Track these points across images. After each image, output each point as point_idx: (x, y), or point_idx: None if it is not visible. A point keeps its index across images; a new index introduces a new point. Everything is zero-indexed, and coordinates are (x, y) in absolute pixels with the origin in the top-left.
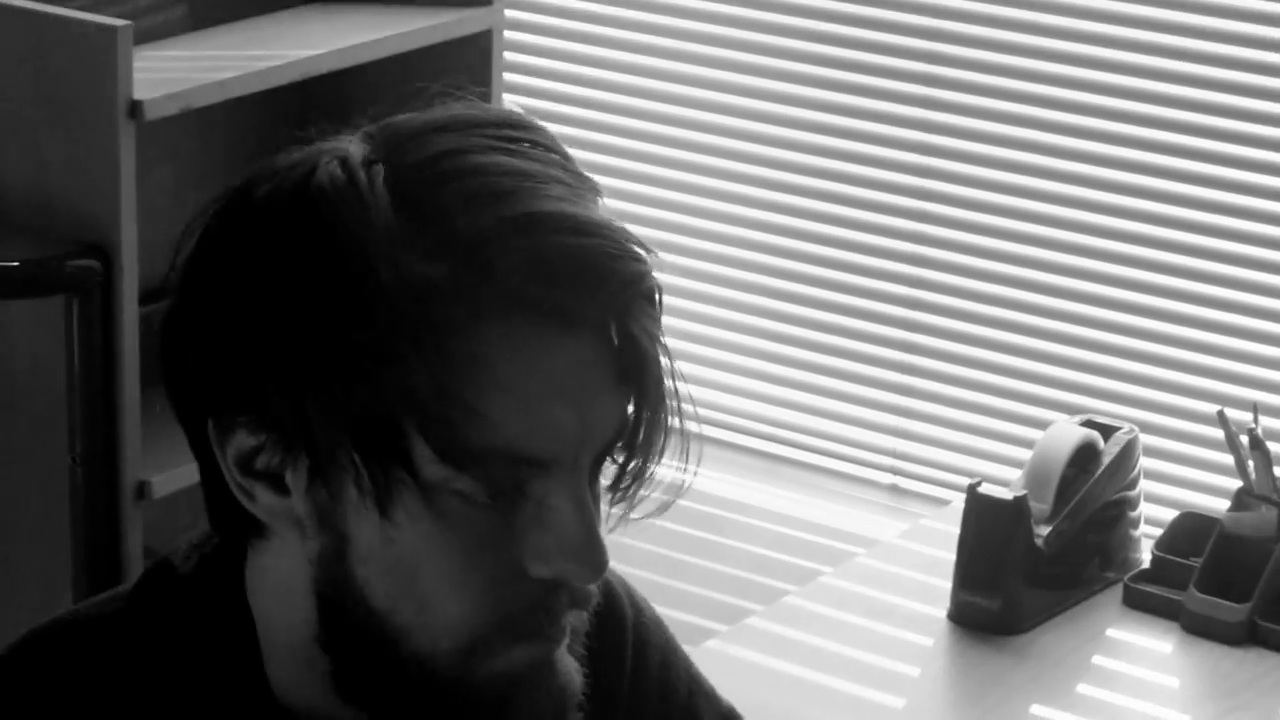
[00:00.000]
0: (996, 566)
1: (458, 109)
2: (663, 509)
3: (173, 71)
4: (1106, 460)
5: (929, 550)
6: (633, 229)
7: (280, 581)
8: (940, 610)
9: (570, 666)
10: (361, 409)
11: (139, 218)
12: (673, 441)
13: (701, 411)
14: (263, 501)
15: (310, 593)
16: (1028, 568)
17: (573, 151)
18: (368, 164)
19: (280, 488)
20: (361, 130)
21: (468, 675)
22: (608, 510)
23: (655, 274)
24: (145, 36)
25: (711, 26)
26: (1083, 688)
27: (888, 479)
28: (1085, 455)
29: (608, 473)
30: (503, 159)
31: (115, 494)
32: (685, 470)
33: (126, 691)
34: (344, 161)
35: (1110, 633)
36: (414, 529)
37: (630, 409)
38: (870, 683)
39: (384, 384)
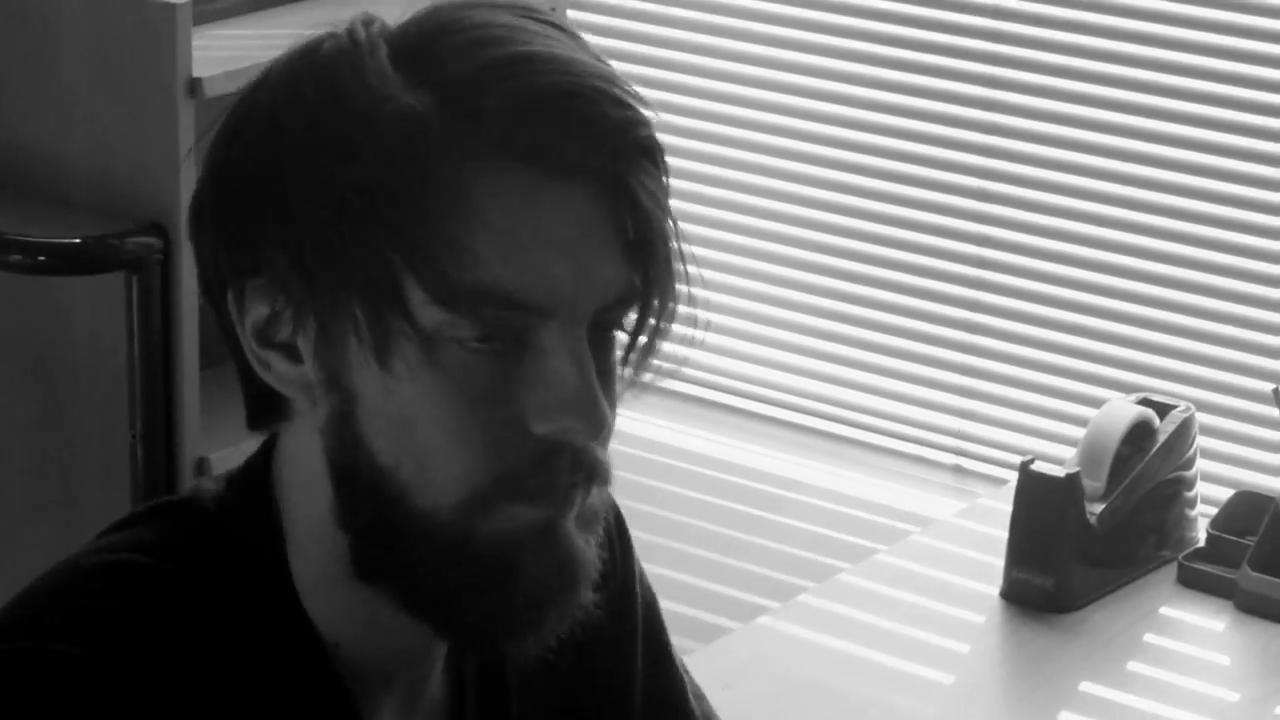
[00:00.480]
0: (1049, 544)
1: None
2: (669, 372)
3: (232, 49)
4: (1162, 438)
5: (984, 529)
6: (696, 210)
7: (302, 465)
8: (993, 588)
9: (579, 540)
10: (355, 251)
11: None
12: (680, 308)
13: (766, 392)
14: (278, 370)
15: (325, 467)
16: (1080, 545)
17: None
18: (367, 24)
19: (294, 356)
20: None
21: (470, 534)
22: (622, 380)
23: (656, 131)
24: (205, 17)
25: (777, 5)
26: (1134, 665)
27: (951, 459)
28: (1140, 433)
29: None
30: (505, 17)
31: (174, 470)
32: (693, 335)
33: (162, 625)
34: (349, 29)
35: (1163, 611)
36: (413, 381)
37: (636, 275)
38: (921, 659)
39: (373, 221)
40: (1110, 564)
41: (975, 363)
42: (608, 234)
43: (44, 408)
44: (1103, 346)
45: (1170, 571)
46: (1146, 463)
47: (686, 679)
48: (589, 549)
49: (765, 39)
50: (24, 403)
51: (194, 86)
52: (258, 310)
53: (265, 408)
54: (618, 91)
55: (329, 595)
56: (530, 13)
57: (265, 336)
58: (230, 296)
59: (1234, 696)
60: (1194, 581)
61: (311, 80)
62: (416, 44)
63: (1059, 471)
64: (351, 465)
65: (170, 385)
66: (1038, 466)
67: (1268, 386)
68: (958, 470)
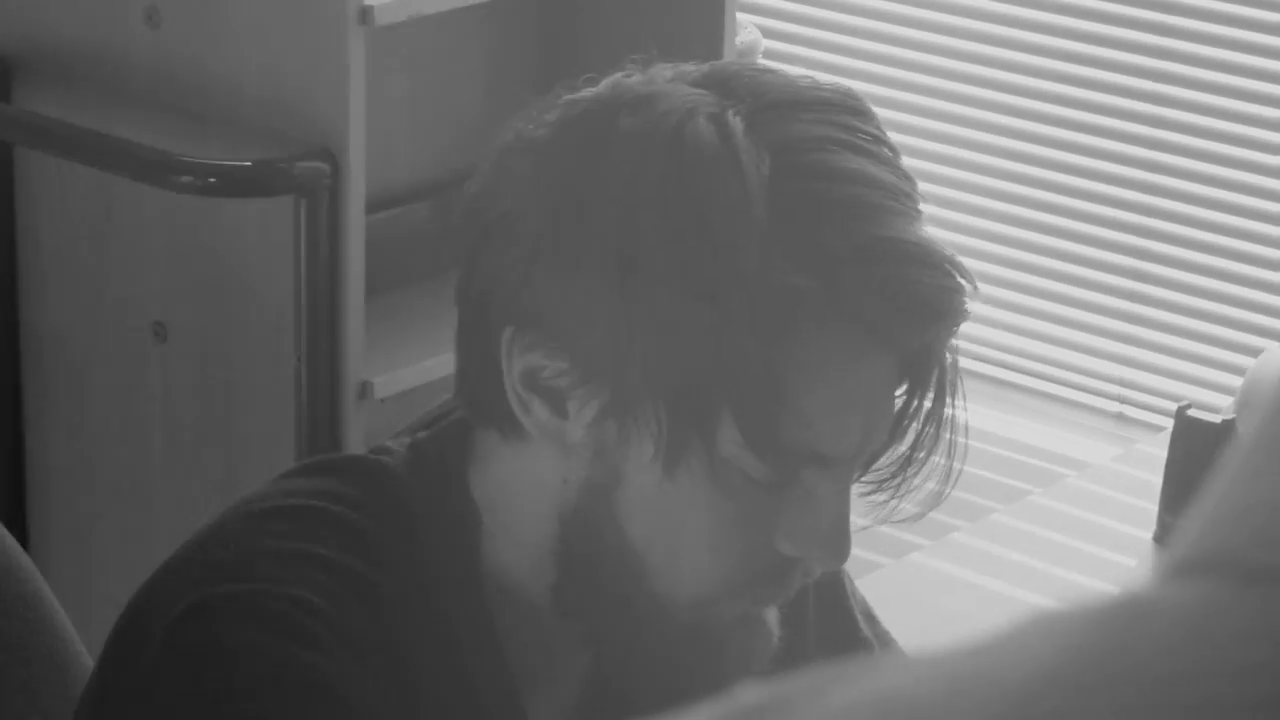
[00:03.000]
0: (1203, 490)
1: (783, 76)
2: (917, 518)
3: None
4: None
5: (1141, 474)
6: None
7: (527, 486)
8: (1146, 532)
9: (771, 619)
10: (686, 377)
11: (372, 123)
12: (939, 452)
13: None
14: (537, 417)
15: (555, 507)
16: None
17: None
18: (745, 135)
19: (560, 409)
20: (700, 73)
21: (692, 618)
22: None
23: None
24: None
25: None
26: None
27: (1114, 406)
28: None
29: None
30: (861, 164)
31: (338, 393)
32: (946, 484)
33: (349, 573)
34: (720, 123)
35: None
36: (691, 492)
37: (905, 413)
38: (1070, 599)
39: (718, 364)
40: None
41: (1141, 310)
42: (893, 396)
43: (212, 328)
44: (1265, 296)
45: None
46: None
47: (854, 601)
48: (776, 619)
49: (943, 5)
50: (193, 321)
51: (365, 14)
52: (535, 358)
53: (494, 418)
54: (956, 279)
55: (510, 593)
56: (859, 122)
57: (533, 380)
58: (508, 334)
59: None
60: None
61: (686, 180)
62: (792, 190)
63: (1215, 418)
64: (595, 535)
65: (335, 310)
66: (1194, 413)
67: None
68: (1119, 417)
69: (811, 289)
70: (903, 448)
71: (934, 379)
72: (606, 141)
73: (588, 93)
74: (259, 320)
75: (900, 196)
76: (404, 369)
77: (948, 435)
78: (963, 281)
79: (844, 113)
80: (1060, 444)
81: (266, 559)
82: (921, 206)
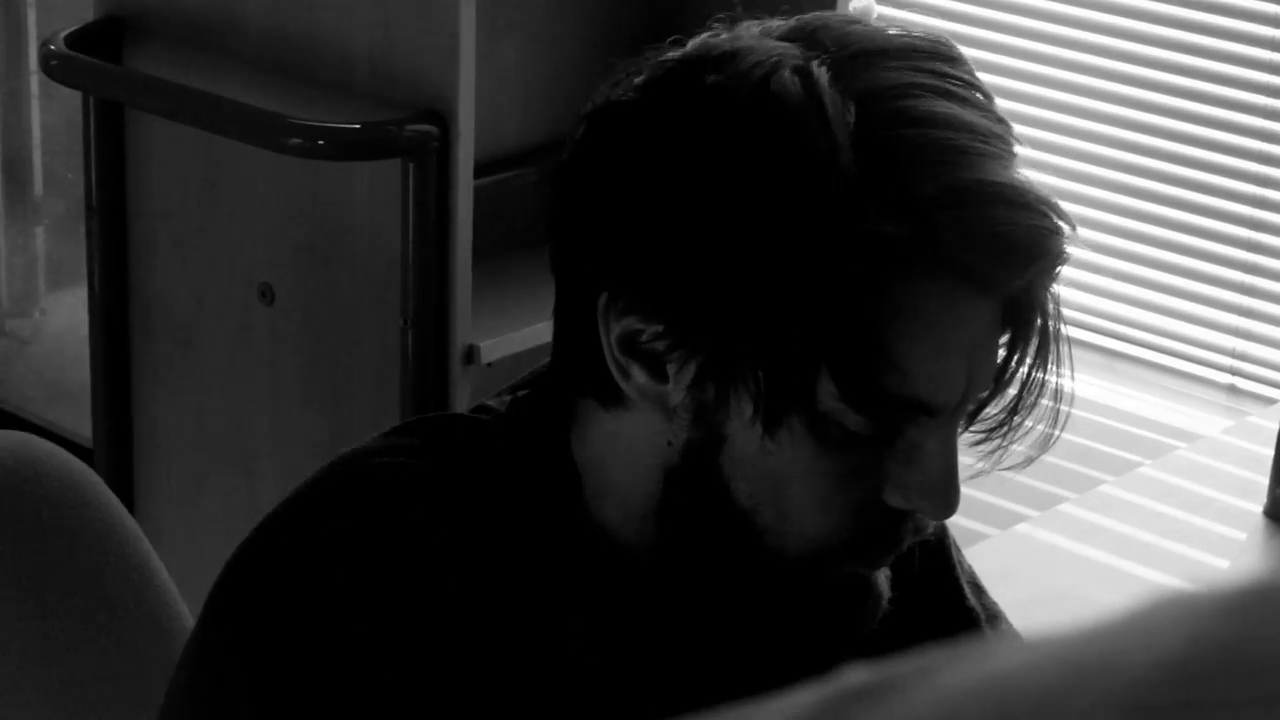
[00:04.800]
0: None
1: (875, 28)
2: (1026, 463)
3: None
4: None
5: (1253, 447)
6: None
7: (628, 450)
8: (1257, 506)
9: (881, 581)
10: (782, 336)
11: (482, 88)
12: (1044, 398)
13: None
14: (637, 381)
15: (659, 469)
16: None
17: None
18: (830, 85)
19: (659, 373)
20: (787, 27)
21: (802, 574)
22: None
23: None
24: None
25: None
26: None
27: (1226, 379)
28: None
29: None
30: (950, 108)
31: (444, 357)
32: (1054, 428)
33: (448, 527)
34: (804, 74)
35: None
36: (794, 449)
37: (1016, 370)
38: (1180, 573)
39: (813, 320)
40: None
41: (1255, 282)
42: (999, 331)
43: (319, 291)
44: None
45: None
46: None
47: (962, 570)
48: (887, 580)
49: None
50: (301, 283)
51: None
52: (631, 322)
53: (593, 387)
54: (1053, 219)
55: (614, 556)
56: (949, 69)
57: (631, 345)
58: (603, 300)
59: None
60: None
61: (775, 134)
62: (879, 137)
63: None
64: (701, 496)
65: (443, 273)
66: None
67: None
68: (1232, 390)
69: (903, 236)
70: (1009, 395)
71: (1036, 324)
72: (692, 100)
73: (673, 53)
74: (366, 284)
75: (992, 139)
76: (510, 334)
77: (1053, 380)
78: (1060, 222)
79: (933, 59)
80: (1171, 415)
81: (363, 519)
82: (1018, 149)
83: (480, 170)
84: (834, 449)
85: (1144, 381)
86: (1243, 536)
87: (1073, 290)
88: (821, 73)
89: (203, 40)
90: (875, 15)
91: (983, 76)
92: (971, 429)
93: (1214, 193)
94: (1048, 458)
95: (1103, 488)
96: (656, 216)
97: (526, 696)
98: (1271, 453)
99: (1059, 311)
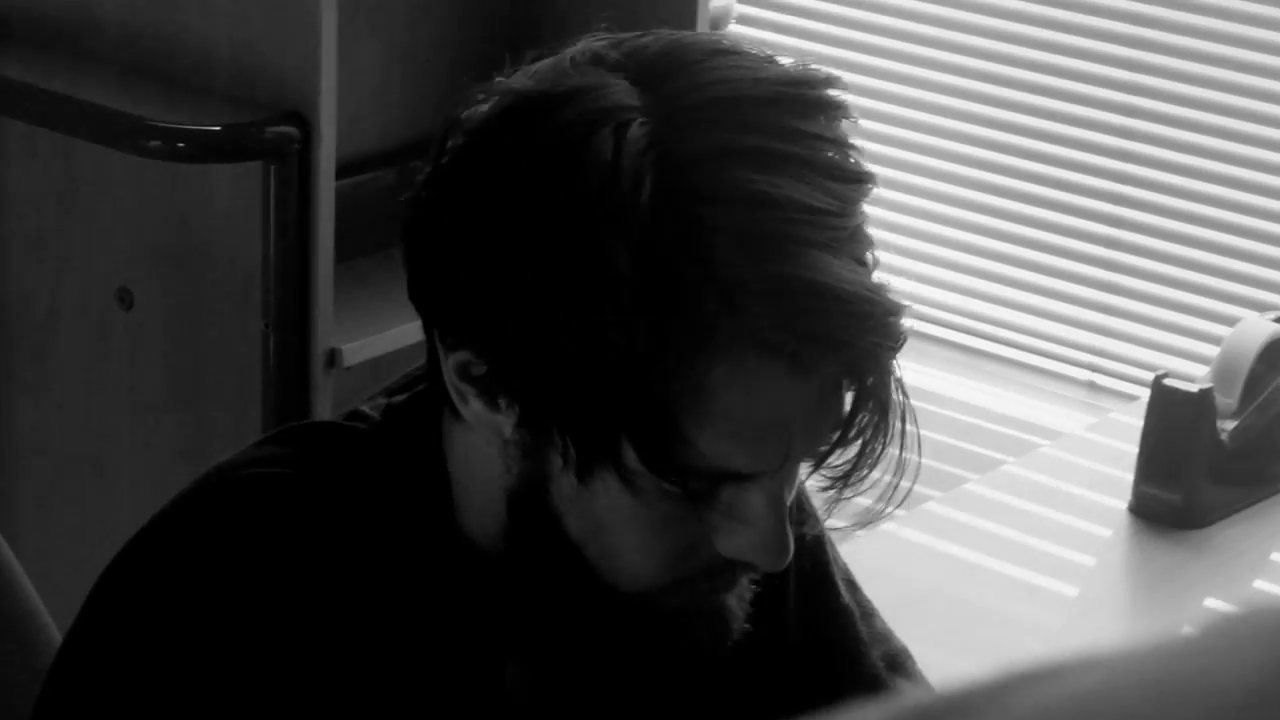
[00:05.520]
0: (1179, 460)
1: (735, 65)
2: (867, 522)
3: None
4: None
5: (1115, 443)
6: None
7: (481, 467)
8: (1121, 502)
9: (733, 604)
10: (579, 405)
11: (342, 89)
12: (885, 457)
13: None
14: (473, 409)
15: (503, 491)
16: (1211, 462)
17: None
18: (641, 154)
19: (493, 403)
20: (641, 57)
21: (639, 606)
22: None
23: (904, 325)
24: None
25: None
26: (1261, 584)
27: (1086, 375)
28: (1275, 351)
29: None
30: (772, 184)
31: (306, 361)
32: (894, 490)
33: (321, 540)
34: (620, 138)
35: None
36: (610, 498)
37: (851, 434)
38: (1046, 570)
39: (607, 393)
40: (1240, 482)
41: (1115, 279)
42: (834, 404)
43: (179, 295)
44: (1241, 265)
45: None
46: None
47: (837, 568)
48: (741, 603)
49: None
50: (160, 288)
51: None
52: (463, 355)
53: (446, 399)
54: (879, 305)
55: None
56: (797, 122)
57: (467, 374)
58: (438, 333)
59: None
60: None
61: (578, 209)
62: (686, 210)
63: (1192, 387)
64: (537, 524)
65: (305, 276)
66: (1171, 381)
67: None
68: (1091, 386)
69: (707, 318)
70: (853, 448)
71: (875, 393)
72: (515, 148)
73: (524, 78)
74: (226, 287)
75: (816, 217)
76: (373, 337)
77: (899, 427)
78: (889, 307)
79: (782, 112)
80: (1032, 413)
81: (239, 530)
82: (859, 215)
83: (340, 172)
84: (649, 502)
85: (1004, 379)
86: (1108, 533)
87: (932, 288)
88: (639, 135)
89: (59, 42)
90: (735, 14)
91: (846, 77)
92: (820, 473)
93: (1074, 190)
94: (912, 456)
95: (967, 485)
96: (475, 263)
97: (396, 709)
98: (1132, 449)
99: (899, 379)
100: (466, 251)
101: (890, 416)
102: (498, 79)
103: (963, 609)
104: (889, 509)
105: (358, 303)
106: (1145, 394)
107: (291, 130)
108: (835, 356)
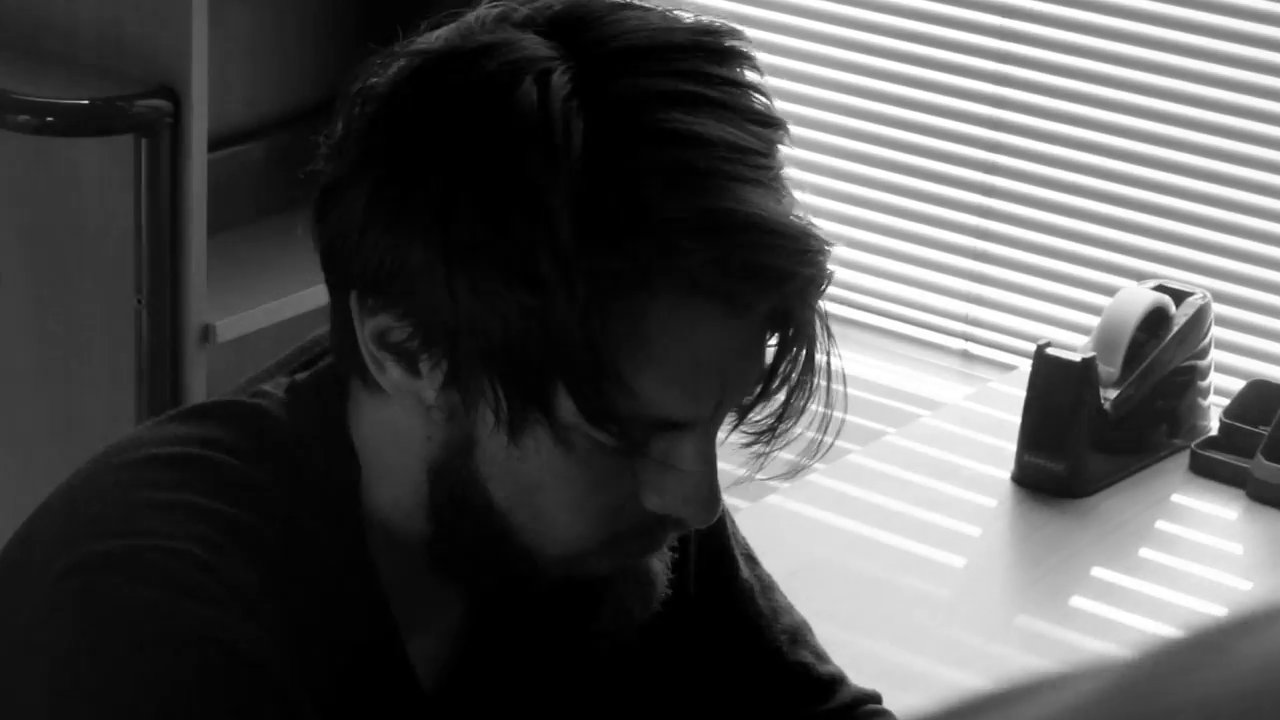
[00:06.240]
0: (1062, 429)
1: (643, 17)
2: (792, 473)
3: None
4: (1177, 325)
5: (995, 413)
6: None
7: (394, 440)
8: (1004, 472)
9: (658, 567)
10: (515, 353)
11: (212, 61)
12: (809, 408)
13: None
14: (392, 376)
15: (423, 462)
16: (1094, 431)
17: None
18: (567, 99)
19: (413, 369)
20: (552, 13)
21: (566, 572)
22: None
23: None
24: None
25: None
26: (1145, 552)
27: (959, 344)
28: (1156, 320)
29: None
30: (700, 123)
31: (179, 337)
32: (822, 439)
33: (228, 519)
34: (543, 85)
35: (1175, 498)
36: (539, 456)
37: (776, 381)
38: (931, 541)
39: (543, 340)
40: (1123, 450)
41: (986, 247)
42: (761, 351)
43: (49, 271)
44: (1120, 235)
45: (1183, 459)
46: (1161, 349)
47: (736, 543)
48: (664, 569)
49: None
50: (29, 265)
51: None
52: (383, 320)
53: (358, 369)
54: (807, 241)
55: (391, 539)
56: (713, 68)
57: (383, 340)
58: (355, 296)
59: (1246, 585)
60: (1206, 470)
61: (506, 155)
62: (615, 152)
63: (1075, 356)
64: (460, 493)
65: (177, 251)
66: (1054, 351)
67: None
68: (965, 355)
69: (641, 259)
70: (777, 400)
71: (802, 335)
72: (435, 103)
73: (431, 40)
74: (98, 264)
75: (746, 156)
76: (246, 311)
77: (824, 384)
78: (817, 243)
79: (698, 58)
80: (907, 382)
81: (145, 511)
82: (780, 159)
83: (210, 145)
84: (582, 460)
85: (879, 349)
86: (993, 503)
87: None
88: (563, 83)
89: None
90: None
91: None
92: (741, 429)
93: (943, 159)
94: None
95: (850, 457)
96: (394, 223)
97: (316, 691)
98: (1012, 418)
99: (825, 325)
100: (391, 212)
101: (814, 368)
102: (396, 46)
103: (850, 581)
104: (812, 462)
105: (230, 278)
106: (1022, 363)
107: (163, 104)
108: (769, 293)
